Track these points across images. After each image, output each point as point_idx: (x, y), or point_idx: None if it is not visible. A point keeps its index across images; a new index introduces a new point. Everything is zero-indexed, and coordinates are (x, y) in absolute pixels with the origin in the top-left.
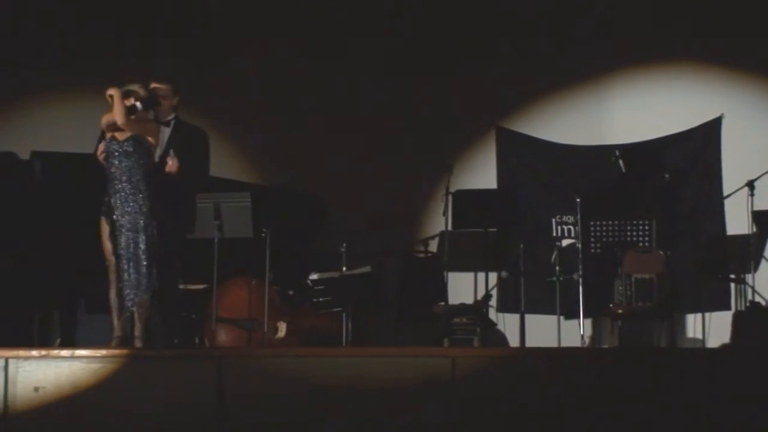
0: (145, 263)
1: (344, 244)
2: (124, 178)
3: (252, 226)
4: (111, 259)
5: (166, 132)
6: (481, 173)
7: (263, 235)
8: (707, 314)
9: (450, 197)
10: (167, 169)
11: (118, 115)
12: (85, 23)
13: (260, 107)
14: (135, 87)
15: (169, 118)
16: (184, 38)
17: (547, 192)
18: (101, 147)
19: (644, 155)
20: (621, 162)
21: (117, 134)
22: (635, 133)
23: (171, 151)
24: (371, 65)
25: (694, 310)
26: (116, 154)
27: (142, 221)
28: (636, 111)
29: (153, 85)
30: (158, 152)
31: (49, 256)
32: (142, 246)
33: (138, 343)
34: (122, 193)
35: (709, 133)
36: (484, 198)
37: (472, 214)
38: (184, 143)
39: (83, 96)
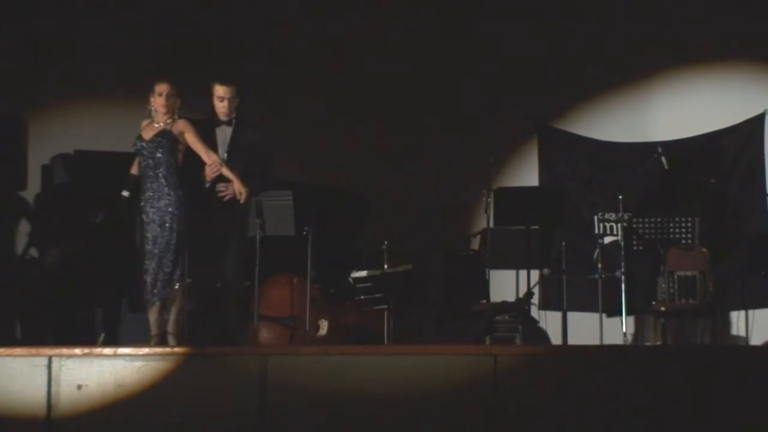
0: (171, 258)
1: (386, 242)
2: (152, 174)
3: (294, 224)
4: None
5: (227, 132)
6: (524, 171)
7: (305, 233)
8: (750, 312)
9: (492, 194)
10: (242, 201)
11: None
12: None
13: (302, 104)
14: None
15: (231, 117)
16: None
17: (590, 189)
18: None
19: (689, 155)
20: (663, 159)
21: (143, 133)
22: (678, 131)
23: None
24: (415, 62)
25: (738, 308)
26: (144, 153)
27: (168, 217)
28: (679, 108)
29: (216, 85)
30: (221, 152)
31: (92, 252)
32: (171, 241)
33: (171, 340)
34: (150, 192)
35: (752, 130)
36: (527, 195)
37: (515, 212)
38: (247, 143)
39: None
